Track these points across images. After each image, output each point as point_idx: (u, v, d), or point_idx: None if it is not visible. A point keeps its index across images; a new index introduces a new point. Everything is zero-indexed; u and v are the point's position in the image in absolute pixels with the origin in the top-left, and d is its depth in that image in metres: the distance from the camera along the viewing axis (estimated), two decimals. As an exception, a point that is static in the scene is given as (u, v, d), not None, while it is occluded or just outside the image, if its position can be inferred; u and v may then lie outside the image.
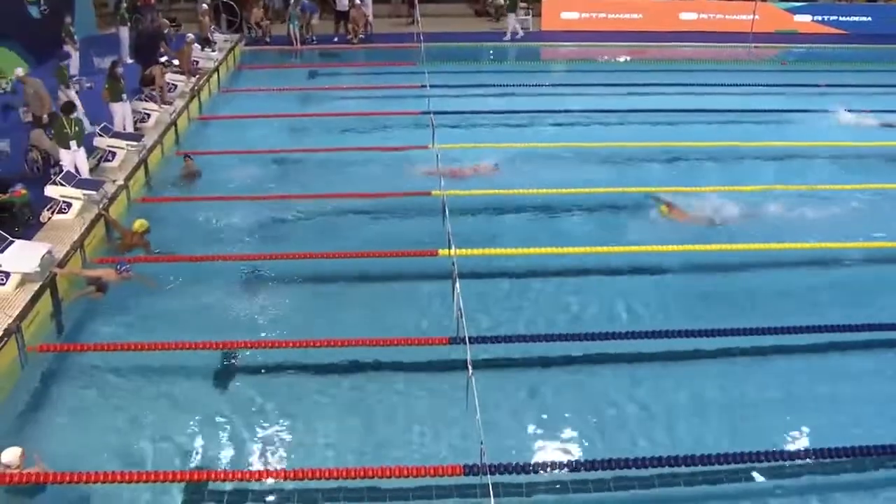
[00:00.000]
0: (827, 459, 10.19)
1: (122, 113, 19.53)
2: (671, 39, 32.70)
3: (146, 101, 21.32)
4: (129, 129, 19.67)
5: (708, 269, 15.02)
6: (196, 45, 26.35)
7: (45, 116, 17.47)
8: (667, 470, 9.95)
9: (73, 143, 16.54)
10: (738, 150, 20.62)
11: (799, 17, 34.31)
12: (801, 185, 18.28)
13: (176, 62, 24.41)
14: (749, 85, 26.68)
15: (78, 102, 18.91)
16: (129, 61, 24.54)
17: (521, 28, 33.51)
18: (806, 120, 23.03)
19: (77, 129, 16.66)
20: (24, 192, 15.10)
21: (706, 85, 26.25)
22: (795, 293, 14.10)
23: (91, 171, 17.15)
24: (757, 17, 32.75)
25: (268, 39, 32.06)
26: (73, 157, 16.57)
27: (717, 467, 9.98)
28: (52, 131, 16.66)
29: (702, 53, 31.80)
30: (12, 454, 9.43)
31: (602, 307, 13.73)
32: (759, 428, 10.94)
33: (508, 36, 32.60)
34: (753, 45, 32.24)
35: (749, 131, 22.10)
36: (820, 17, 34.47)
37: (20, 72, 17.99)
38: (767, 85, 26.89)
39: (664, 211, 16.62)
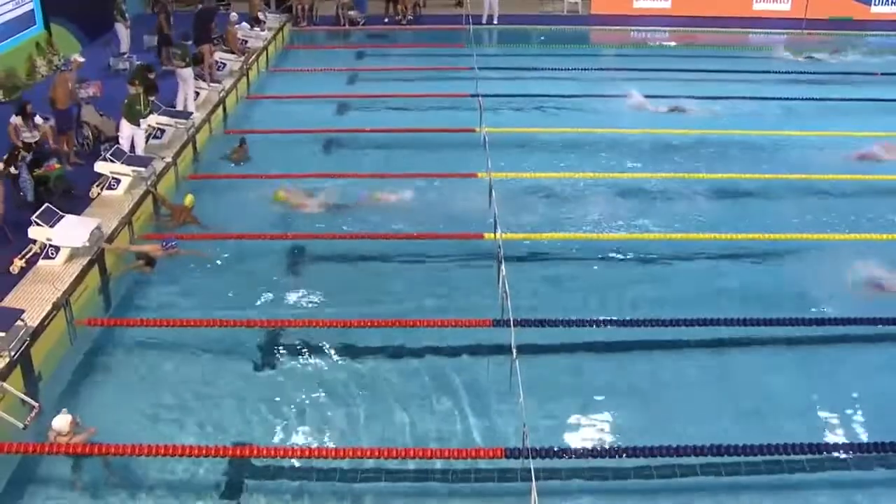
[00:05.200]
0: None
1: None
2: (722, 24, 32.14)
3: (195, 79, 21.40)
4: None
5: (738, 256, 14.89)
6: (245, 24, 26.43)
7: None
8: (709, 459, 9.85)
9: (142, 122, 16.86)
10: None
11: (857, 3, 33.40)
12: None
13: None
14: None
15: None
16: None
17: (569, 11, 33.29)
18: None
19: (148, 109, 16.98)
20: (57, 166, 15.25)
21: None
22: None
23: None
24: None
25: (304, 23, 31.92)
26: (133, 133, 16.75)
27: (759, 458, 9.87)
28: (124, 104, 16.78)
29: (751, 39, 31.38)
30: (63, 421, 9.59)
31: (647, 293, 13.60)
32: (810, 419, 10.83)
33: (485, 19, 32.02)
34: (806, 31, 31.63)
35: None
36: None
37: (79, 58, 18.11)
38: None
39: (280, 197, 16.31)
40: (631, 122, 21.27)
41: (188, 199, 15.42)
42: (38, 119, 15.37)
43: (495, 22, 31.77)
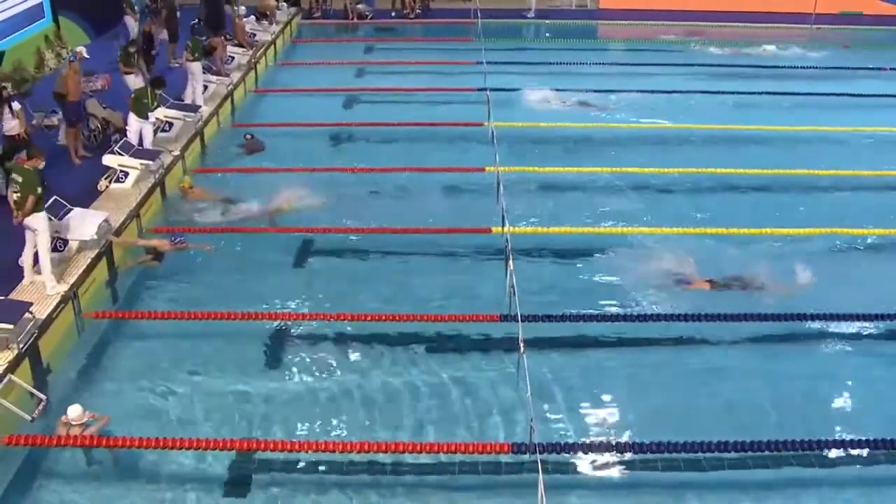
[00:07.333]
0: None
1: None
2: (731, 19, 32.04)
3: (205, 72, 21.37)
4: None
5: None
6: (252, 17, 26.43)
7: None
8: (715, 455, 9.81)
9: (150, 115, 16.94)
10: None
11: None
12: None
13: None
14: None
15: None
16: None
17: (577, 5, 33.25)
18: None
19: (156, 103, 17.07)
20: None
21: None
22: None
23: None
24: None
25: (317, 14, 31.96)
26: (141, 127, 16.77)
27: (765, 454, 9.83)
28: (132, 98, 16.78)
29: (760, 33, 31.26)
30: (77, 410, 9.66)
31: (655, 288, 13.51)
32: (816, 416, 10.79)
33: (532, 13, 32.24)
34: (815, 26, 31.49)
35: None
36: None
37: (82, 50, 18.10)
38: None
39: (186, 185, 16.04)
40: (637, 116, 21.20)
41: (186, 181, 15.82)
42: (15, 105, 15.30)
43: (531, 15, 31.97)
